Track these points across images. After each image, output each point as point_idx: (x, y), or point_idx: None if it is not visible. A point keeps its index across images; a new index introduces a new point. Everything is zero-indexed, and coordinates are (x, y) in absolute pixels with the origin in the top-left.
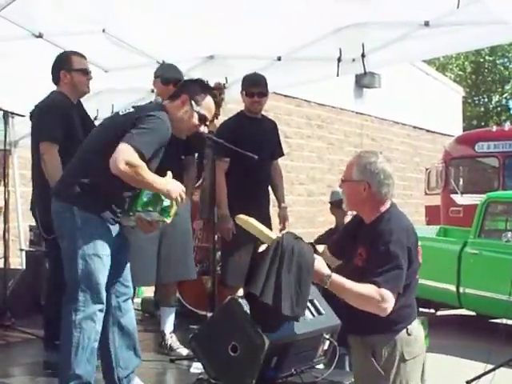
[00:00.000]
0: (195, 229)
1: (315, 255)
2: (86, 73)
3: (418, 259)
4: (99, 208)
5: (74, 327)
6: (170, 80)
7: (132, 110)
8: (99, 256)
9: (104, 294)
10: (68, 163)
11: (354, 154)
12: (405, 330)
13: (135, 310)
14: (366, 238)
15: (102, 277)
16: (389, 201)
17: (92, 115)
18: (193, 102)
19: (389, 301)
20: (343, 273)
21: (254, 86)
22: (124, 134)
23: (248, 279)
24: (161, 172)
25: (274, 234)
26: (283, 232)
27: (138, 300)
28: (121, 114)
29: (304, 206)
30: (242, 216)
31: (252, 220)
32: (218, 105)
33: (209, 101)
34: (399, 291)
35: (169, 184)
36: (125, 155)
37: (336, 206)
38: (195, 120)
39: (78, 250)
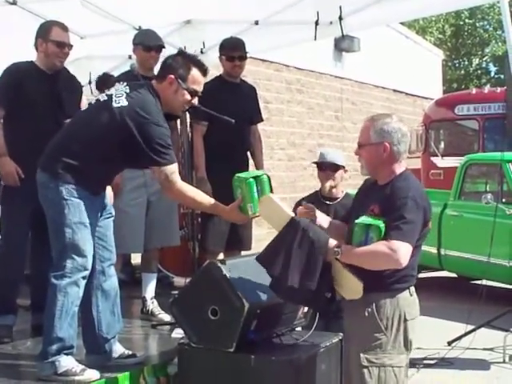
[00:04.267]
0: None
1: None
2: (61, 45)
3: (428, 225)
4: (85, 183)
5: (58, 292)
6: (152, 47)
7: (125, 103)
8: (85, 224)
9: (90, 261)
10: (54, 135)
11: (334, 119)
12: (407, 290)
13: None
14: (379, 195)
15: (89, 244)
16: (404, 162)
17: None
18: (179, 81)
19: (401, 252)
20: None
21: (234, 49)
22: (131, 139)
23: (261, 255)
24: None
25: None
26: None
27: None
28: (114, 104)
29: (285, 171)
30: (266, 197)
31: (276, 199)
32: None
33: (195, 73)
34: (412, 245)
35: None
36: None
37: (319, 167)
38: (187, 97)
39: (63, 219)
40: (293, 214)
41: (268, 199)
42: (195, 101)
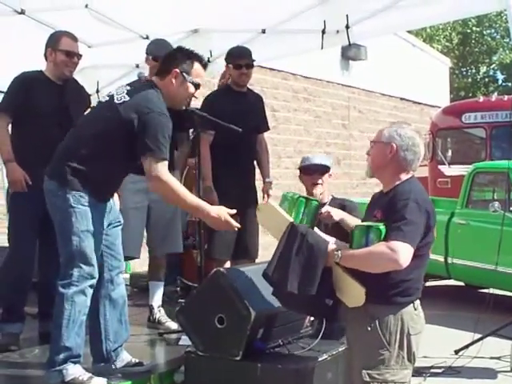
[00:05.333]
0: None
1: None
2: (70, 55)
3: (433, 233)
4: (92, 189)
5: (66, 300)
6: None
7: (127, 98)
8: (92, 232)
9: (97, 270)
10: (59, 141)
11: (341, 127)
12: (412, 304)
13: (125, 285)
14: (382, 201)
15: (96, 252)
16: (411, 172)
17: None
18: (184, 74)
19: (401, 252)
20: None
21: (241, 58)
22: (131, 133)
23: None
24: None
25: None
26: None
27: (127, 275)
28: (116, 101)
29: (292, 180)
30: (263, 204)
31: (275, 205)
32: None
33: (197, 67)
34: (414, 246)
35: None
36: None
37: (305, 172)
38: (191, 89)
39: (71, 227)
40: (292, 220)
41: (269, 206)
42: (197, 94)
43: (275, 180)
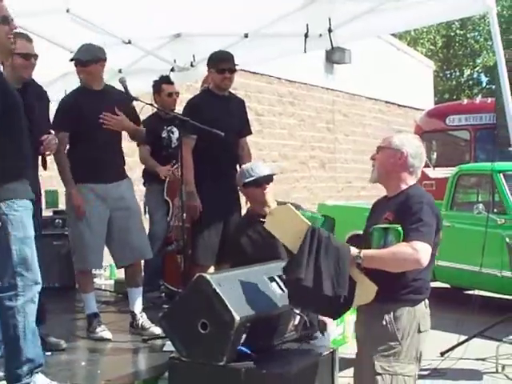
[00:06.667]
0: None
1: None
2: (27, 57)
3: (439, 233)
4: (19, 190)
5: (17, 313)
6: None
7: None
8: (30, 238)
9: (39, 274)
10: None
11: (326, 130)
12: (423, 302)
13: (108, 291)
14: (392, 204)
15: (36, 258)
16: (415, 178)
17: (60, 96)
18: None
19: (422, 251)
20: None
21: (224, 62)
22: None
23: (288, 267)
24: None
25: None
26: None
27: (111, 282)
28: None
29: (276, 184)
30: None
31: (292, 208)
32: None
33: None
34: (431, 246)
35: None
36: None
37: (254, 185)
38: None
39: (8, 235)
40: (310, 224)
41: (285, 208)
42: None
43: None
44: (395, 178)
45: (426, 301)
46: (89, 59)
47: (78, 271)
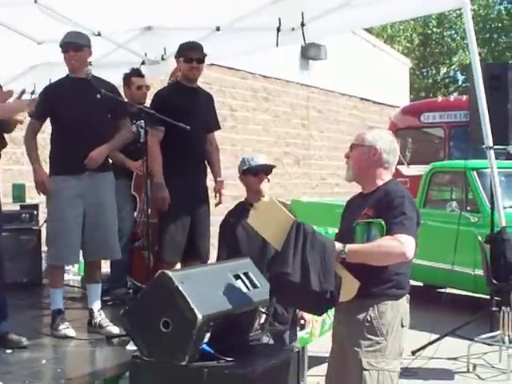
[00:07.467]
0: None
1: None
2: None
3: (418, 227)
4: None
5: None
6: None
7: None
8: None
9: None
10: None
11: (300, 127)
12: (405, 297)
13: (76, 287)
14: (370, 200)
15: None
16: (391, 173)
17: (29, 89)
18: None
19: (407, 244)
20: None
21: (193, 50)
22: None
23: (272, 262)
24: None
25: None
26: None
27: (78, 277)
28: None
29: None
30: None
31: (277, 202)
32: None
33: None
34: (415, 239)
35: None
36: None
37: (251, 173)
38: None
39: None
40: (295, 218)
41: (270, 202)
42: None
43: (233, 180)
44: (371, 175)
45: (408, 296)
46: (84, 44)
47: (51, 266)
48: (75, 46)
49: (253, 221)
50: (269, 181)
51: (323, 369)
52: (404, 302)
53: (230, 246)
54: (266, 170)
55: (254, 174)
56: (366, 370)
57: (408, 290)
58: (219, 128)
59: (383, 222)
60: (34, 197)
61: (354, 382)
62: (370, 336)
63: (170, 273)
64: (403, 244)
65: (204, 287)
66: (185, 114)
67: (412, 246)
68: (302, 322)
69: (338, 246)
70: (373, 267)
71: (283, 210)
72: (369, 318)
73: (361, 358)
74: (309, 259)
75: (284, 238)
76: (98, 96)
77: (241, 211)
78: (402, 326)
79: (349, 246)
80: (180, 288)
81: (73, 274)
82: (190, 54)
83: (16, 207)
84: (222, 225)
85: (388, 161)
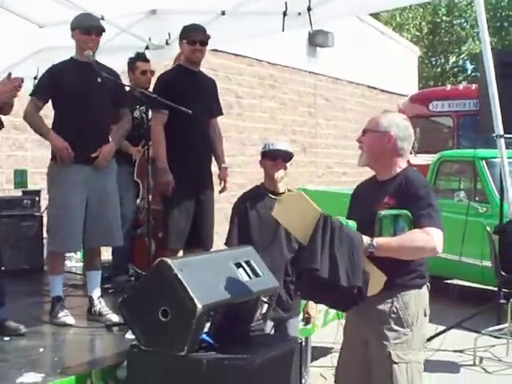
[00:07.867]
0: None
1: None
2: None
3: None
4: None
5: None
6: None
7: None
8: None
9: None
10: None
11: (307, 115)
12: (426, 286)
13: (77, 274)
14: (389, 188)
15: None
16: (406, 159)
17: (32, 74)
18: None
19: (437, 238)
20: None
21: (196, 32)
22: None
23: (299, 257)
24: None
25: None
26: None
27: (80, 264)
28: None
29: (257, 167)
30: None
31: (304, 194)
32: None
33: None
34: (443, 231)
35: None
36: None
37: (268, 157)
38: None
39: None
40: (322, 211)
41: (297, 195)
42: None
43: (239, 168)
44: (386, 162)
45: (428, 284)
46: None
47: (51, 253)
48: (98, 30)
49: (277, 214)
50: (286, 168)
51: (327, 360)
52: (425, 291)
53: (241, 228)
54: (284, 156)
55: (271, 158)
56: (395, 363)
57: (428, 279)
58: (221, 114)
59: (410, 214)
60: (36, 183)
61: (382, 376)
62: (397, 328)
63: (169, 260)
64: (434, 238)
65: (204, 275)
66: (187, 96)
67: (441, 240)
68: (307, 315)
69: (366, 239)
70: (399, 260)
71: (310, 203)
72: (395, 310)
73: (389, 350)
74: (337, 254)
75: (310, 232)
76: (99, 80)
77: (255, 195)
78: (425, 315)
79: (377, 240)
80: (179, 276)
81: (75, 260)
82: (193, 35)
83: (18, 193)
84: (234, 207)
85: (403, 147)
